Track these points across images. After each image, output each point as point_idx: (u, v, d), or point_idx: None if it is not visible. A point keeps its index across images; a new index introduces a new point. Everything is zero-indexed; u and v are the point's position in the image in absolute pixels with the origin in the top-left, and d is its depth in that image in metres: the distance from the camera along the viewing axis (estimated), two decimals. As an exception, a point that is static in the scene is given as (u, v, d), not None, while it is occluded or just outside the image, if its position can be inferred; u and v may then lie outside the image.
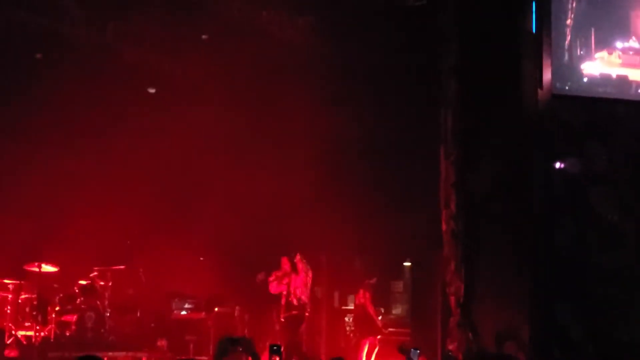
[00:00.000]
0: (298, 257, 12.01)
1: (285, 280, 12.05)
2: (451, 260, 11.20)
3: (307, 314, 12.01)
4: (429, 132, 11.71)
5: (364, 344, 12.83)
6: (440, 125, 11.49)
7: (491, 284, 11.06)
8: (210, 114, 13.18)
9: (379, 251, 13.55)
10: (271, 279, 12.13)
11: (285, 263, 12.14)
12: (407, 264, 14.44)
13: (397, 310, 14.90)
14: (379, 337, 12.92)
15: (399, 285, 14.90)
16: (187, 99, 13.54)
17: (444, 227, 11.31)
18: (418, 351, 6.28)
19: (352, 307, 14.37)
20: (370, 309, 12.97)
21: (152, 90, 14.16)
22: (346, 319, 14.35)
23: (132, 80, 13.46)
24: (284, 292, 12.01)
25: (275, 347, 5.96)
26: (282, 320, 12.11)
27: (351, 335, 14.14)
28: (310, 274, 12.10)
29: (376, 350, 12.74)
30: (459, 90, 11.45)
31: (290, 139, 13.20)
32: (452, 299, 11.16)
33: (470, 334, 10.86)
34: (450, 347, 10.98)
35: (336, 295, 14.76)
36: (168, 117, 13.50)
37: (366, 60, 12.56)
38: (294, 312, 11.89)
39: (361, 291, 13.07)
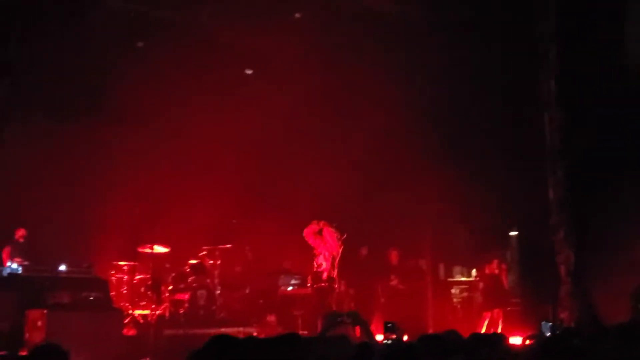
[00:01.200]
0: (323, 223, 11.96)
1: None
2: (560, 228, 10.96)
3: (336, 286, 11.92)
4: (532, 99, 11.42)
5: (487, 316, 12.65)
6: (543, 91, 11.18)
7: (602, 250, 10.74)
8: (305, 92, 13.23)
9: (485, 221, 13.37)
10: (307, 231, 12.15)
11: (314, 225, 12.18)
12: (513, 233, 14.20)
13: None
14: (507, 308, 12.70)
15: (506, 255, 14.68)
16: (282, 78, 13.63)
17: (550, 194, 11.06)
18: (550, 324, 6.21)
19: (459, 279, 14.29)
20: (506, 280, 12.74)
21: (249, 72, 14.33)
22: (453, 290, 14.27)
23: (228, 61, 13.64)
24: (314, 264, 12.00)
25: (389, 325, 5.99)
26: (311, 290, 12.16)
27: (459, 306, 14.07)
28: (338, 244, 12.00)
29: (501, 322, 12.52)
30: (560, 54, 11.11)
31: (384, 111, 13.13)
32: (562, 267, 10.92)
33: (582, 303, 10.62)
34: (562, 316, 10.77)
35: (441, 267, 14.67)
36: (266, 96, 13.66)
37: (463, 30, 12.33)
38: (322, 284, 11.81)
39: (496, 261, 12.85)
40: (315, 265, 12.09)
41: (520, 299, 12.63)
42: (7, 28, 9.19)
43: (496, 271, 12.79)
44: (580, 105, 11.04)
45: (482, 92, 12.36)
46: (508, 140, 11.96)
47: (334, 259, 12.00)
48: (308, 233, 12.22)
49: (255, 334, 12.06)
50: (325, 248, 12.01)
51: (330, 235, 12.06)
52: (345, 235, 12.15)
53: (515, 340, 10.15)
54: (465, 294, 14.15)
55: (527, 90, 11.64)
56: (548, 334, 7.67)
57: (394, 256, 13.54)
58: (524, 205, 12.05)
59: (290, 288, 13.52)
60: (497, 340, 5.85)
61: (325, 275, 11.84)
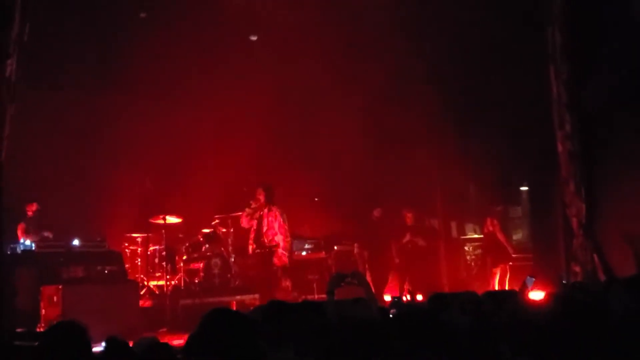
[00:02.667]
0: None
1: (257, 215, 11.94)
2: (569, 181, 10.86)
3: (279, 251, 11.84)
4: (537, 51, 11.28)
5: (496, 272, 12.70)
6: (548, 43, 11.03)
7: (613, 202, 10.68)
8: (316, 59, 13.13)
9: (494, 178, 13.34)
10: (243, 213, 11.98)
11: (259, 194, 12.00)
12: (524, 188, 14.18)
13: (517, 236, 14.74)
14: (510, 263, 12.75)
15: (517, 211, 14.70)
16: (289, 43, 13.53)
17: (559, 148, 10.95)
18: (533, 279, 6.23)
19: (471, 236, 14.33)
20: (500, 236, 12.80)
21: (253, 38, 14.25)
22: (466, 248, 14.31)
23: (236, 28, 13.56)
24: (254, 228, 11.92)
25: (395, 299, 6.02)
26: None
27: (472, 264, 14.11)
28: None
29: (508, 276, 12.57)
30: (565, 4, 10.94)
31: (391, 70, 13.04)
32: (574, 220, 10.84)
33: (595, 255, 10.59)
34: (576, 269, 10.75)
35: (453, 225, 14.69)
36: (273, 62, 13.60)
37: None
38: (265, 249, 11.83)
39: (488, 219, 12.90)
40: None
41: (532, 253, 12.62)
42: (12, 5, 9.16)
43: (490, 228, 12.83)
44: (587, 57, 10.89)
45: (489, 46, 12.22)
46: (516, 94, 11.84)
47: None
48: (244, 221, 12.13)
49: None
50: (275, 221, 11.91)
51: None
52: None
53: (535, 295, 10.18)
54: (478, 251, 14.18)
55: (534, 42, 11.49)
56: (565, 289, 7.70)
57: (409, 217, 13.54)
58: (533, 160, 11.98)
59: (304, 253, 13.58)
60: (509, 297, 5.86)
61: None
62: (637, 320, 3.73)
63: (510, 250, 12.81)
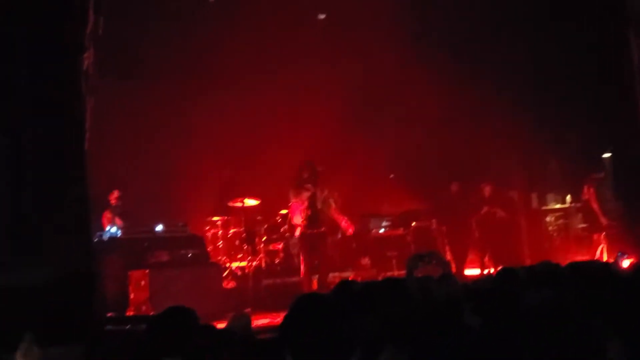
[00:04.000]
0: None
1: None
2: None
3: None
4: (617, 15, 10.93)
5: (596, 241, 12.30)
6: (627, 6, 10.68)
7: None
8: (387, 35, 13.03)
9: (576, 146, 13.04)
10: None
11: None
12: (606, 155, 13.80)
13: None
14: (603, 233, 12.39)
15: (599, 179, 14.27)
16: (361, 21, 13.47)
17: (642, 112, 10.65)
18: (625, 255, 6.07)
19: (553, 207, 14.05)
20: (594, 204, 12.42)
21: (321, 16, 14.24)
22: (547, 219, 14.04)
23: (305, 6, 13.58)
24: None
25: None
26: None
27: (555, 234, 13.85)
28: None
29: (600, 247, 12.20)
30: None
31: (469, 39, 12.88)
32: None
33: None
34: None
35: (534, 196, 14.41)
36: (344, 43, 13.57)
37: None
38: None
39: (585, 187, 12.54)
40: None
41: (618, 221, 12.30)
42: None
43: (586, 196, 12.48)
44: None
45: (566, 12, 11.93)
46: (596, 61, 11.52)
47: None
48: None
49: (351, 277, 12.23)
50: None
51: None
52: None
53: (624, 263, 9.93)
54: (560, 222, 13.89)
55: (613, 5, 11.14)
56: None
57: (487, 190, 13.36)
58: (615, 126, 11.66)
59: (382, 230, 13.59)
60: (597, 268, 5.70)
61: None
62: None
63: (602, 220, 12.38)
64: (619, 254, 5.89)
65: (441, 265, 5.58)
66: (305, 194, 11.08)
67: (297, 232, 11.25)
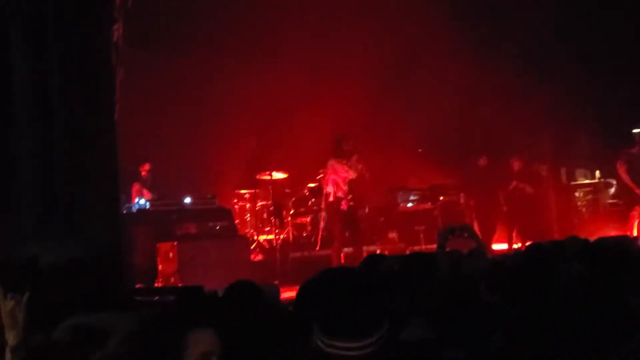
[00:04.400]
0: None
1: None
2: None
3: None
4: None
5: (633, 216, 12.13)
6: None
7: None
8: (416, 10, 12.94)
9: (605, 121, 12.89)
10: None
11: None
12: (637, 130, 13.63)
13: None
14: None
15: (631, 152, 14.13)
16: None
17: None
18: None
19: (582, 182, 13.94)
20: (624, 177, 12.20)
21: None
22: (576, 194, 13.93)
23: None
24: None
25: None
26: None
27: (583, 209, 13.74)
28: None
29: (636, 222, 11.92)
30: None
31: (499, 15, 12.75)
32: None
33: None
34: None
35: (563, 171, 14.31)
36: (371, 15, 13.50)
37: None
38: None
39: (618, 161, 12.35)
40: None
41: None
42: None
43: (619, 170, 12.29)
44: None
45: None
46: (625, 36, 11.37)
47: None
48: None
49: (378, 251, 12.26)
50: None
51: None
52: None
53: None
54: (590, 197, 13.77)
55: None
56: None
57: (516, 164, 13.26)
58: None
59: (409, 204, 13.56)
60: (624, 243, 5.65)
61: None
62: None
63: (639, 192, 12.13)
64: None
65: (473, 239, 5.53)
66: (347, 165, 11.07)
67: (335, 203, 11.16)
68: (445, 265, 4.98)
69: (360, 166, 11.16)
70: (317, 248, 12.02)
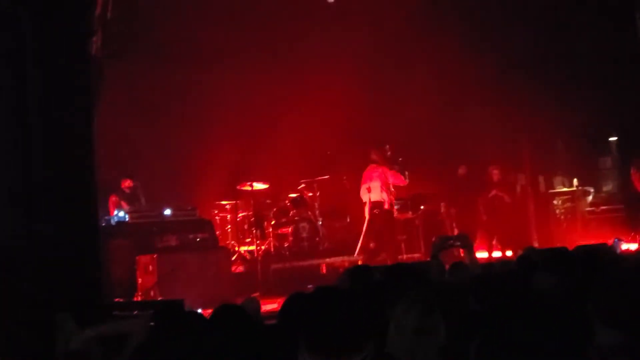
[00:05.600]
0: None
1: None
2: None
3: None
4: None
5: None
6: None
7: None
8: (394, 21, 12.97)
9: (582, 130, 13.00)
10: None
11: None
12: (612, 139, 13.78)
13: (607, 187, 14.33)
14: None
15: (607, 162, 14.27)
16: (370, 7, 13.40)
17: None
18: (622, 241, 6.06)
19: (560, 190, 14.04)
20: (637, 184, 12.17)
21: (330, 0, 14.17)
22: (555, 202, 14.03)
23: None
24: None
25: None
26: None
27: (562, 217, 13.84)
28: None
29: None
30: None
31: (478, 22, 12.82)
32: (665, 169, 10.51)
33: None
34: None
35: (541, 179, 14.41)
36: (354, 26, 13.53)
37: None
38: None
39: (632, 169, 12.29)
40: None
41: (623, 204, 12.28)
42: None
43: (633, 178, 12.17)
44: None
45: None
46: (604, 44, 11.47)
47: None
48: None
49: (360, 261, 12.26)
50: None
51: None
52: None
53: (628, 246, 9.91)
54: (568, 205, 13.88)
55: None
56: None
57: (495, 173, 13.35)
58: (621, 110, 11.62)
59: (391, 213, 13.55)
60: (603, 250, 5.70)
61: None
62: None
63: None
64: (616, 240, 5.83)
65: (467, 248, 5.57)
66: (398, 172, 11.67)
67: (390, 211, 11.66)
68: (438, 275, 5.02)
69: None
70: (356, 254, 12.15)
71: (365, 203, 12.21)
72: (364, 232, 12.09)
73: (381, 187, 11.93)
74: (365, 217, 12.20)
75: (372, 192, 11.92)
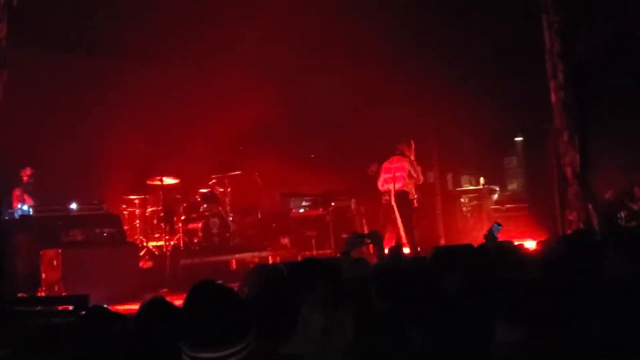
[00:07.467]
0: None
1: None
2: (563, 130, 10.89)
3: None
4: (530, 1, 11.22)
5: None
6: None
7: (607, 151, 10.75)
8: (307, 25, 13.00)
9: (489, 129, 13.36)
10: None
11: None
12: (518, 139, 14.21)
13: (512, 186, 14.80)
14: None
15: (512, 161, 14.72)
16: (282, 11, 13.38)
17: (553, 98, 10.96)
18: (500, 226, 6.26)
19: (467, 188, 14.40)
20: None
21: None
22: (462, 199, 14.39)
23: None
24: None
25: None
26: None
27: (468, 215, 14.20)
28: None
29: None
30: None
31: (386, 27, 12.96)
32: (568, 169, 10.89)
33: (589, 204, 10.67)
34: (570, 217, 10.83)
35: (449, 177, 14.75)
36: (269, 27, 13.51)
37: None
38: None
39: (636, 187, 12.45)
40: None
41: (527, 203, 12.70)
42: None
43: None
44: (580, 6, 10.83)
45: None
46: (509, 45, 11.80)
47: None
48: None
49: (270, 257, 12.29)
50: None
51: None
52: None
53: (529, 244, 10.20)
54: (474, 202, 14.27)
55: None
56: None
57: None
58: (527, 110, 12.00)
59: (301, 210, 13.65)
60: (508, 247, 5.85)
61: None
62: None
63: None
64: (495, 224, 5.97)
65: (377, 245, 5.64)
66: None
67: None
68: (348, 271, 5.06)
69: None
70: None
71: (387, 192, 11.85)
72: (400, 222, 11.54)
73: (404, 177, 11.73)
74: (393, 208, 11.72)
75: (397, 182, 11.68)
